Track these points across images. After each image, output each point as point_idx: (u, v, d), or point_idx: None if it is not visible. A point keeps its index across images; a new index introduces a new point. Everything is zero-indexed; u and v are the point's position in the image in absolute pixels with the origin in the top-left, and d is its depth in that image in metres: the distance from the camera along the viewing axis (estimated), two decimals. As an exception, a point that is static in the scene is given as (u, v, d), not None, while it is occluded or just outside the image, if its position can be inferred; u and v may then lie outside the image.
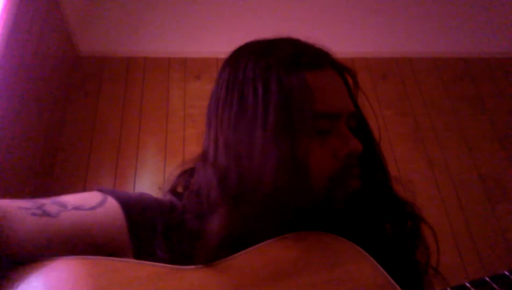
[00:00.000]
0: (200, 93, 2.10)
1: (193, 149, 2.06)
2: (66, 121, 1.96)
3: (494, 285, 0.41)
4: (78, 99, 2.03)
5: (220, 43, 2.17)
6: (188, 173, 0.59)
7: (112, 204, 0.48)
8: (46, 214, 0.41)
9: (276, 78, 0.50)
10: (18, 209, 0.40)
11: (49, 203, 0.43)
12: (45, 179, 1.76)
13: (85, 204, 0.46)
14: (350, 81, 0.59)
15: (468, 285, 0.41)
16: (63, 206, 0.44)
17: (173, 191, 0.58)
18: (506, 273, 0.42)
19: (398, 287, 0.42)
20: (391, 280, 0.43)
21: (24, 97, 1.58)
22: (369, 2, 2.12)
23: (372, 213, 0.57)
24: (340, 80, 0.57)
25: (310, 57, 0.54)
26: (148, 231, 0.47)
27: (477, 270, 1.72)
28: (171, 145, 1.94)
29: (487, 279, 0.41)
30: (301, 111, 0.49)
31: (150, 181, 1.85)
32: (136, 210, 0.48)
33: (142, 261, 0.42)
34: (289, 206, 0.48)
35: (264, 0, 2.06)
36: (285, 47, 0.56)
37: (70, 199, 0.46)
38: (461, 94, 2.24)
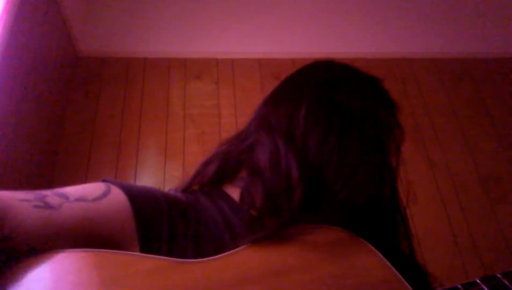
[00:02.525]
0: (200, 93, 2.10)
1: (193, 149, 2.07)
2: (66, 121, 1.96)
3: (505, 281, 0.40)
4: (78, 99, 2.03)
5: (220, 43, 2.17)
6: (203, 165, 0.60)
7: (117, 194, 0.47)
8: (48, 206, 0.40)
9: (370, 97, 0.60)
10: (20, 201, 0.40)
11: (51, 195, 0.43)
12: (45, 179, 1.76)
13: (88, 195, 0.45)
14: None
15: (478, 281, 0.41)
16: (65, 197, 0.43)
17: (186, 190, 0.58)
18: None
19: (406, 283, 0.42)
20: (399, 275, 0.43)
21: (24, 97, 1.58)
22: (369, 3, 2.12)
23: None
24: None
25: (390, 100, 0.65)
26: (155, 222, 0.47)
27: (477, 270, 1.72)
28: (171, 145, 1.94)
29: (498, 275, 0.41)
30: (387, 135, 0.59)
31: (150, 181, 1.85)
32: (143, 200, 0.48)
33: (146, 255, 0.42)
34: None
35: (265, 0, 2.06)
36: (373, 80, 0.65)
37: (73, 190, 0.45)
38: (461, 94, 2.24)
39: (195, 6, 2.04)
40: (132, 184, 0.51)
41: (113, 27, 2.09)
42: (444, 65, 2.32)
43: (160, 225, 0.47)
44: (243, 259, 0.43)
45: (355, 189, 0.50)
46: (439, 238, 1.80)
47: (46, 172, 1.78)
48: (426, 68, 2.30)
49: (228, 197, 0.55)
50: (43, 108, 1.76)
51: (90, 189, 0.46)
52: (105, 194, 0.46)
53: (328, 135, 0.53)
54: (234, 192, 0.56)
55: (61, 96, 1.96)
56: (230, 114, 2.01)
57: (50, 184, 1.78)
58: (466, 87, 2.27)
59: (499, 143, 2.10)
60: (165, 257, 0.41)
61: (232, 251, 0.44)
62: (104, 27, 2.08)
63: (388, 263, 0.44)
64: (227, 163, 0.58)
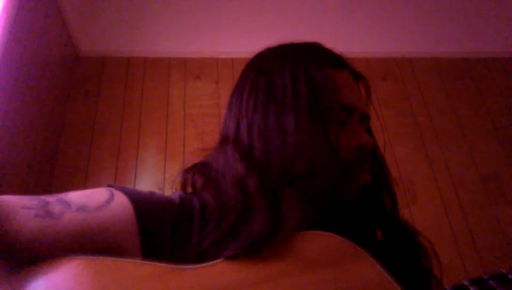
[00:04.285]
0: (200, 93, 2.10)
1: (193, 149, 2.06)
2: (66, 121, 1.96)
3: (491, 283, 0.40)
4: (78, 99, 2.03)
5: (220, 43, 2.17)
6: (191, 170, 0.60)
7: (120, 200, 0.47)
8: (48, 215, 0.41)
9: (303, 69, 0.56)
10: (22, 209, 0.40)
11: (54, 202, 0.43)
12: (45, 179, 1.76)
13: (91, 203, 0.45)
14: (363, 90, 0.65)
15: (468, 283, 0.41)
16: (67, 205, 0.43)
17: (183, 190, 0.58)
18: None
19: (398, 286, 0.42)
20: (391, 279, 0.43)
21: (24, 97, 1.59)
22: (369, 3, 2.12)
23: (370, 217, 0.60)
24: (356, 85, 0.62)
25: (333, 57, 0.60)
26: (158, 227, 0.47)
27: (477, 270, 1.72)
28: (171, 145, 1.94)
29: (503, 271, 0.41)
30: (328, 99, 0.54)
31: (150, 181, 1.85)
32: (146, 204, 0.48)
33: (143, 261, 0.42)
34: (319, 189, 0.52)
35: (264, 0, 2.06)
36: (309, 47, 0.62)
37: (76, 197, 0.45)
38: (461, 93, 2.24)
39: (195, 6, 2.04)
40: (137, 189, 0.52)
41: (113, 27, 2.09)
42: (444, 65, 2.32)
43: (163, 229, 0.47)
44: (239, 264, 0.43)
45: (307, 161, 0.50)
46: (439, 238, 1.80)
47: (46, 171, 1.78)
48: (426, 68, 2.30)
49: None
50: (43, 108, 1.76)
51: (94, 196, 0.47)
52: (108, 201, 0.46)
53: (267, 120, 0.54)
54: None
55: (61, 96, 1.96)
56: (230, 114, 2.01)
57: (50, 184, 1.78)
58: (466, 87, 2.27)
59: (499, 143, 2.10)
60: (163, 263, 0.41)
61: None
62: (104, 27, 2.08)
63: (381, 268, 0.44)
64: (210, 174, 0.58)
